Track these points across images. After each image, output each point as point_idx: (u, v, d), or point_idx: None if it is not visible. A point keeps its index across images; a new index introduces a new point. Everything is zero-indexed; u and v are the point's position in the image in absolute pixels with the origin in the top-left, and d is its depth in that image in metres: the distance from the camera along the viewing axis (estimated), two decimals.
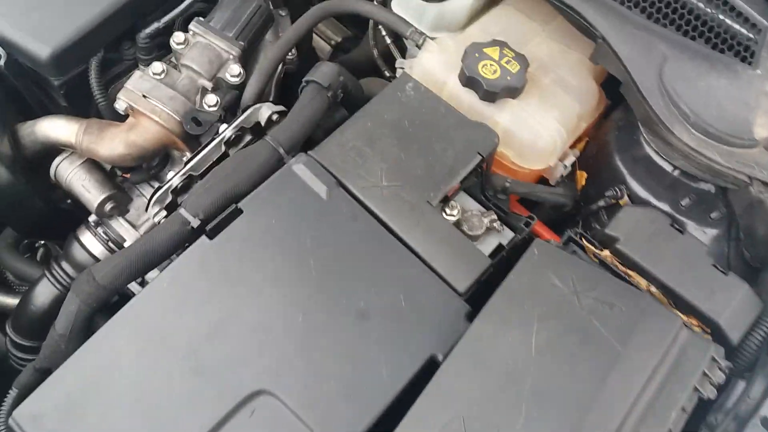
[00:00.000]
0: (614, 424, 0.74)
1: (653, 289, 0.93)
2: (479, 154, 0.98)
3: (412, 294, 0.88)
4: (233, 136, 0.99)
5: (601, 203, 1.06)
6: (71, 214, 1.18)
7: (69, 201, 1.15)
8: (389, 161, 0.96)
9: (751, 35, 1.01)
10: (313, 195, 0.92)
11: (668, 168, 1.04)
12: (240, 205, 0.91)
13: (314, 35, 1.59)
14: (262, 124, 1.02)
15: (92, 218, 1.09)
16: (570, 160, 1.11)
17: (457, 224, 0.96)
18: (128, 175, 1.10)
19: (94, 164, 1.09)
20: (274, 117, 1.02)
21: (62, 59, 1.05)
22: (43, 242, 1.28)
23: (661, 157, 1.03)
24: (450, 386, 0.79)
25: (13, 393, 0.96)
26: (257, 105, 1.02)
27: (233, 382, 0.81)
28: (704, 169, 0.98)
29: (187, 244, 0.90)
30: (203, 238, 0.89)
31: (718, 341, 0.89)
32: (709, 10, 1.01)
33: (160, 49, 1.14)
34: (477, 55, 1.06)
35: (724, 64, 1.03)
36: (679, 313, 0.91)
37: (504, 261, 0.93)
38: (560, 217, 1.15)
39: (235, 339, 0.83)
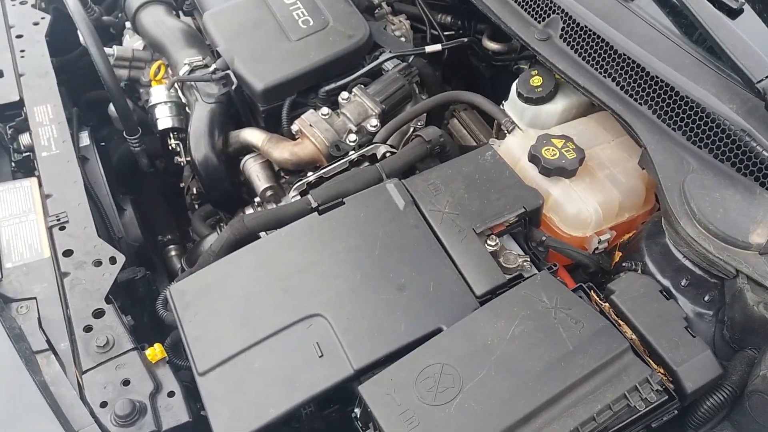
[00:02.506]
0: (545, 397, 0.99)
1: (634, 337, 1.16)
2: (524, 207, 1.31)
3: (440, 285, 1.21)
4: (356, 160, 1.45)
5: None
6: (245, 202, 1.70)
7: (245, 188, 1.67)
8: (455, 197, 1.33)
9: None
10: (393, 205, 1.32)
11: (678, 256, 1.26)
12: (345, 199, 1.33)
13: None
14: (378, 157, 1.46)
15: (257, 200, 1.59)
16: (605, 236, 1.38)
17: (494, 254, 1.28)
18: (288, 177, 1.60)
19: (268, 165, 1.61)
20: (387, 154, 1.45)
21: (269, 94, 1.60)
22: (219, 218, 1.82)
23: (674, 246, 1.26)
24: (441, 345, 1.09)
25: None
26: (379, 145, 1.47)
27: (304, 303, 1.20)
28: (701, 257, 1.20)
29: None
30: (315, 214, 1.32)
31: (677, 390, 1.09)
32: (739, 136, 1.24)
33: (331, 101, 1.65)
34: (545, 141, 1.41)
35: (745, 185, 1.25)
36: (651, 361, 1.12)
37: None
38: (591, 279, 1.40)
39: (313, 277, 1.23)
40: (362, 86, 1.62)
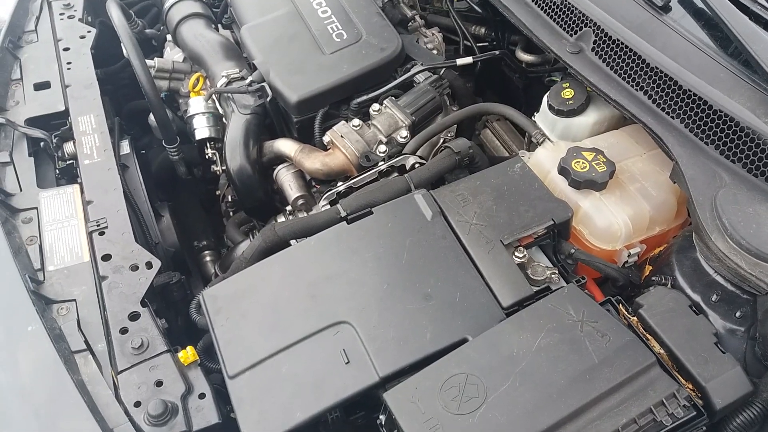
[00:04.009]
0: (569, 409, 0.99)
1: (662, 352, 1.14)
2: (553, 219, 1.31)
3: (467, 295, 1.22)
4: (385, 170, 1.47)
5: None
6: (277, 210, 1.74)
7: (278, 196, 1.71)
8: (483, 209, 1.34)
9: None
10: (421, 215, 1.34)
11: (710, 271, 1.24)
12: (373, 209, 1.36)
13: None
14: (407, 167, 1.48)
15: (288, 208, 1.63)
16: (635, 250, 1.37)
17: (522, 266, 1.29)
18: (319, 186, 1.63)
19: (300, 175, 1.65)
20: (416, 165, 1.47)
21: (302, 106, 1.64)
22: (252, 225, 1.86)
23: (705, 261, 1.25)
24: (466, 355, 1.10)
25: None
26: (408, 155, 1.49)
27: (331, 310, 1.22)
28: (733, 273, 1.18)
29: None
30: (344, 223, 1.35)
31: (705, 406, 1.07)
32: None
33: (362, 113, 1.68)
34: (575, 154, 1.41)
35: None
36: (679, 376, 1.11)
37: None
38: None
39: (341, 285, 1.25)
40: (393, 98, 1.65)
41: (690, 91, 1.33)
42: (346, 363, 1.15)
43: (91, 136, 1.65)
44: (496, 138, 1.97)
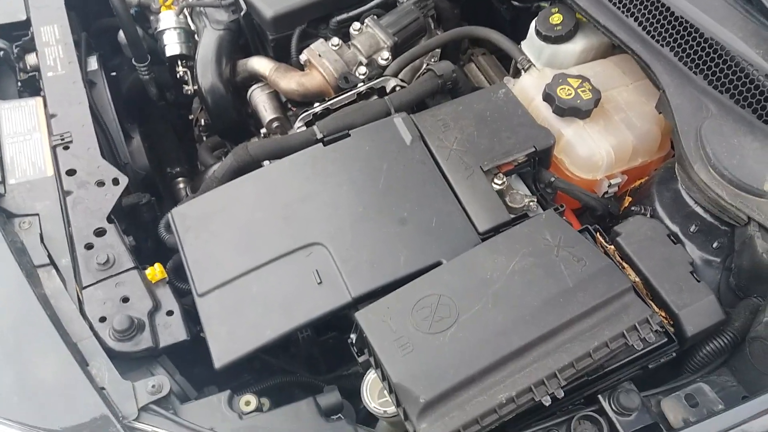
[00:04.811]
0: (541, 331, 0.98)
1: (638, 279, 1.14)
2: (534, 146, 1.28)
3: (443, 220, 1.20)
4: (365, 92, 1.41)
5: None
6: (252, 134, 1.68)
7: (252, 120, 1.65)
8: (464, 134, 1.30)
9: None
10: (400, 140, 1.29)
11: (690, 202, 1.23)
12: (351, 132, 1.31)
13: None
14: (387, 90, 1.42)
15: (263, 131, 1.57)
16: (616, 180, 1.35)
17: (501, 193, 1.26)
18: (295, 108, 1.57)
19: (275, 95, 1.58)
20: (397, 88, 1.41)
21: (279, 22, 1.56)
22: (226, 149, 1.80)
23: (686, 192, 1.23)
24: (439, 277, 1.08)
25: None
26: (389, 78, 1.43)
27: (304, 231, 1.19)
28: (713, 203, 1.17)
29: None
30: (320, 144, 1.30)
31: (677, 333, 1.08)
32: (762, 81, 1.19)
33: (343, 32, 1.60)
34: (561, 80, 1.36)
35: (765, 132, 1.20)
36: (652, 303, 1.11)
37: None
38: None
39: (315, 207, 1.21)
40: (375, 17, 1.57)
41: (681, 17, 1.28)
42: (319, 283, 1.13)
43: (54, 47, 1.56)
44: (480, 72, 1.90)
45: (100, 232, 1.21)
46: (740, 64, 1.21)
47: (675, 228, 1.22)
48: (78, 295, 1.12)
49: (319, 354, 1.20)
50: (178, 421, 0.97)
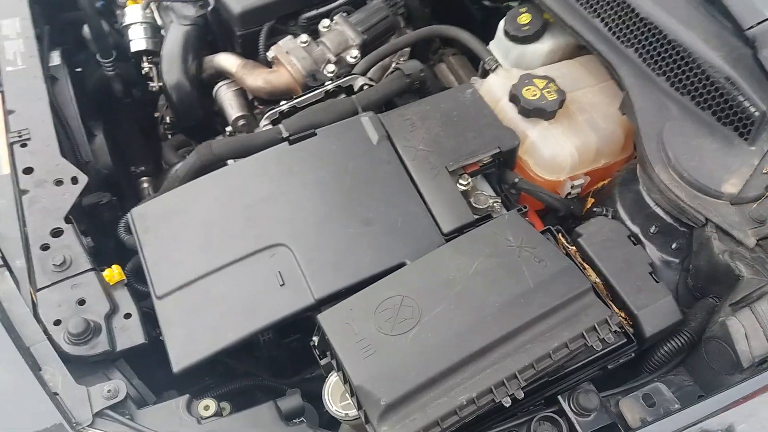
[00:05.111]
0: (502, 332, 0.98)
1: (598, 280, 1.15)
2: (499, 147, 1.28)
3: (408, 220, 1.19)
4: (332, 91, 1.40)
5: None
6: (218, 133, 1.65)
7: (219, 118, 1.62)
8: (430, 134, 1.30)
9: (754, 115, 1.20)
10: (366, 139, 1.28)
11: (650, 203, 1.24)
12: (317, 131, 1.29)
13: None
14: (355, 89, 1.41)
15: (228, 129, 1.55)
16: (579, 181, 1.36)
17: (466, 194, 1.26)
18: (261, 107, 1.55)
19: (242, 93, 1.56)
20: (365, 87, 1.41)
21: (246, 18, 1.54)
22: (191, 148, 1.77)
23: (647, 193, 1.25)
24: (403, 278, 1.08)
25: None
26: (357, 76, 1.42)
27: (267, 232, 1.18)
28: (672, 205, 1.18)
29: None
30: (285, 143, 1.29)
31: (636, 333, 1.09)
32: (722, 84, 1.21)
33: (311, 29, 1.59)
34: (526, 81, 1.37)
35: (725, 135, 1.22)
36: (612, 304, 1.12)
37: None
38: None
39: (279, 207, 1.20)
40: (345, 15, 1.56)
41: (646, 19, 1.29)
42: (281, 285, 1.11)
43: (15, 41, 1.52)
44: (450, 72, 1.90)
45: (57, 233, 1.18)
46: (701, 66, 1.23)
47: (636, 229, 1.24)
48: (32, 298, 1.09)
49: (282, 357, 1.18)
50: (135, 426, 0.96)
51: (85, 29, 1.86)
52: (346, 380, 0.98)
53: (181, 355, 1.05)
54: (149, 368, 1.11)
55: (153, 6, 1.69)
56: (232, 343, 1.06)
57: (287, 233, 1.17)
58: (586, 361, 1.05)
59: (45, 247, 1.16)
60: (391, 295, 1.05)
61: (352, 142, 1.29)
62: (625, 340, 1.06)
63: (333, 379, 1.03)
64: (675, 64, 1.26)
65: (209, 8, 1.55)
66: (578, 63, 1.52)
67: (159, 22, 1.69)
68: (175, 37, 1.57)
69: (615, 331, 1.01)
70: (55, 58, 1.69)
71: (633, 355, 1.08)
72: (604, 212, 1.27)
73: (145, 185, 1.80)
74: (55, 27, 1.87)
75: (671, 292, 1.11)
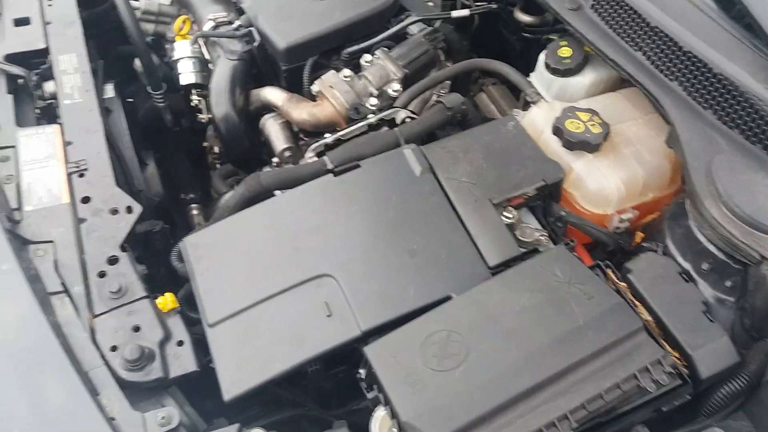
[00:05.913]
0: (552, 370, 0.98)
1: (650, 318, 1.13)
2: (544, 180, 1.28)
3: (453, 253, 1.20)
4: (375, 124, 1.43)
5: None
6: (265, 163, 1.69)
7: (265, 149, 1.67)
8: (473, 166, 1.31)
9: None
10: (409, 171, 1.30)
11: (702, 239, 1.22)
12: (361, 163, 1.32)
13: None
14: (397, 122, 1.44)
15: (274, 160, 1.59)
16: (627, 215, 1.35)
17: (511, 227, 1.26)
18: (306, 138, 1.58)
19: (287, 125, 1.60)
20: (407, 119, 1.43)
21: (291, 53, 1.58)
22: (239, 177, 1.81)
23: (698, 229, 1.23)
24: (449, 312, 1.08)
25: None
26: (399, 109, 1.45)
27: (314, 262, 1.19)
28: (725, 241, 1.16)
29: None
30: (330, 175, 1.31)
31: (691, 374, 1.06)
32: None
33: (354, 64, 1.62)
34: (570, 114, 1.37)
35: None
36: (665, 343, 1.10)
37: None
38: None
39: (325, 238, 1.22)
40: (386, 49, 1.59)
41: (690, 52, 1.29)
42: (328, 316, 1.13)
43: (72, 75, 1.59)
44: (491, 102, 1.92)
45: (113, 260, 1.22)
46: (749, 100, 1.22)
47: (687, 265, 1.21)
48: (90, 324, 1.13)
49: (329, 388, 1.19)
50: None
51: (137, 62, 1.93)
52: (393, 415, 0.98)
53: (232, 384, 1.07)
54: (200, 395, 1.13)
55: (201, 41, 1.75)
56: (282, 373, 1.07)
57: (333, 264, 1.19)
58: (639, 402, 1.03)
59: (102, 275, 1.20)
60: (437, 330, 1.05)
61: (395, 173, 1.31)
62: (680, 381, 1.04)
63: (381, 413, 1.04)
64: (721, 97, 1.25)
65: (255, 44, 1.60)
66: (621, 95, 1.52)
67: (207, 56, 1.75)
68: (223, 71, 1.63)
69: (669, 372, 0.99)
70: (109, 90, 1.77)
71: (688, 397, 1.06)
72: (654, 247, 1.25)
73: (195, 212, 1.84)
74: (108, 61, 1.96)
75: (727, 332, 1.08)
